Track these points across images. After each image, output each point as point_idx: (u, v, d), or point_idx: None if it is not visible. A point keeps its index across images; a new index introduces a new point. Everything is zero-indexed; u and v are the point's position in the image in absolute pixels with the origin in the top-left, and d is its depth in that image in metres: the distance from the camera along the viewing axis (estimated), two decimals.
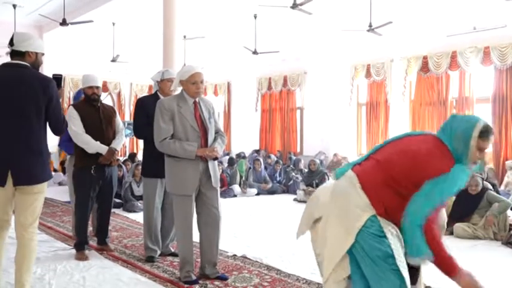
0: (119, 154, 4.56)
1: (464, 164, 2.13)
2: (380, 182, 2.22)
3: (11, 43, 2.89)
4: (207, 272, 3.63)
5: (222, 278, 3.62)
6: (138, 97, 15.80)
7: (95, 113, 4.27)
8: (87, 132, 4.17)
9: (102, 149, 4.19)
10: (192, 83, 3.48)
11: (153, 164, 4.04)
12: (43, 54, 2.99)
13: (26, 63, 2.88)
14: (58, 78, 3.18)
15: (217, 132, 3.68)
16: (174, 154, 3.45)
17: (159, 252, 4.21)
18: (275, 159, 11.14)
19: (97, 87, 4.30)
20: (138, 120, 4.20)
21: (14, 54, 2.89)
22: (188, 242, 3.57)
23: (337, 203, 2.28)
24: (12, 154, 2.80)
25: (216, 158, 3.57)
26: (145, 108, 4.09)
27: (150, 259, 4.11)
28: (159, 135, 3.46)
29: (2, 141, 2.80)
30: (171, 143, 3.43)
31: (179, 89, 3.67)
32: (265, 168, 10.23)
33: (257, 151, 13.64)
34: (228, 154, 13.33)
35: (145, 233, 4.19)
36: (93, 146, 4.15)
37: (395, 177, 2.20)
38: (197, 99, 3.57)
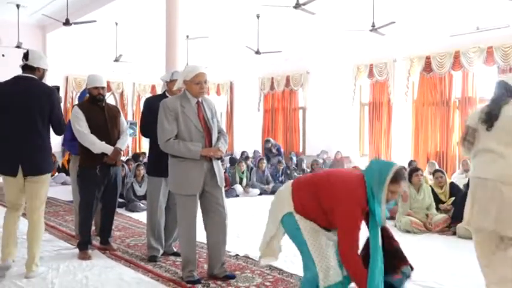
0: (123, 154, 4.59)
1: (379, 203, 2.56)
2: (305, 187, 2.77)
3: (26, 58, 3.55)
4: (215, 272, 3.61)
5: (230, 277, 3.61)
6: (141, 97, 15.89)
7: (100, 113, 4.27)
8: (92, 132, 4.17)
9: (108, 149, 4.20)
10: (196, 83, 3.47)
11: (158, 163, 4.05)
12: (47, 70, 3.72)
13: (34, 76, 3.58)
14: (56, 89, 3.79)
15: (219, 132, 3.69)
16: (178, 154, 3.45)
17: (161, 251, 4.21)
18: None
19: (102, 88, 4.32)
20: (145, 119, 4.21)
21: (26, 67, 3.58)
22: (191, 242, 3.57)
23: (273, 201, 2.91)
24: (22, 151, 3.49)
25: (220, 158, 3.58)
26: (153, 108, 4.10)
27: (152, 258, 4.11)
28: (164, 135, 3.46)
29: (14, 141, 3.49)
30: (176, 143, 3.42)
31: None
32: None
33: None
34: (230, 155, 13.23)
35: (149, 232, 4.19)
36: (98, 146, 4.16)
37: (318, 185, 2.74)
38: (200, 99, 3.57)
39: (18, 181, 3.53)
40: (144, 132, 4.27)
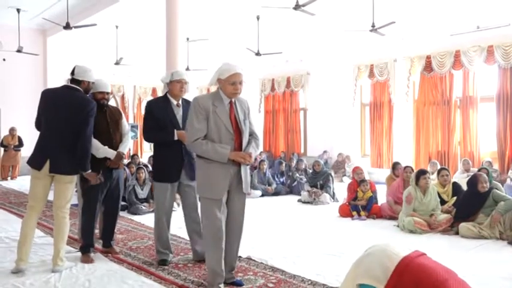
0: (125, 157, 4.59)
1: None
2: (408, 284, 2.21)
3: (73, 73, 4.02)
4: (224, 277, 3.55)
5: (237, 284, 3.53)
6: (142, 100, 15.90)
7: (103, 117, 4.28)
8: (94, 136, 4.15)
9: (110, 153, 4.22)
10: (231, 83, 3.31)
11: (164, 169, 4.03)
12: (93, 82, 4.14)
13: (79, 88, 3.99)
14: None
15: (251, 134, 3.47)
16: (205, 156, 3.26)
17: (171, 255, 4.20)
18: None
19: (107, 93, 4.37)
20: (147, 123, 4.13)
21: (73, 80, 4.01)
22: (217, 251, 3.31)
23: (363, 260, 2.37)
24: (53, 150, 3.81)
25: (249, 164, 3.42)
26: (155, 112, 4.06)
27: (162, 262, 4.07)
28: (192, 135, 3.27)
29: (49, 139, 3.85)
30: (204, 143, 3.24)
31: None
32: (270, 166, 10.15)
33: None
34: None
35: (155, 237, 4.19)
36: (102, 151, 4.18)
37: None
38: (233, 100, 3.40)
39: (46, 180, 3.86)
40: (147, 137, 4.23)
